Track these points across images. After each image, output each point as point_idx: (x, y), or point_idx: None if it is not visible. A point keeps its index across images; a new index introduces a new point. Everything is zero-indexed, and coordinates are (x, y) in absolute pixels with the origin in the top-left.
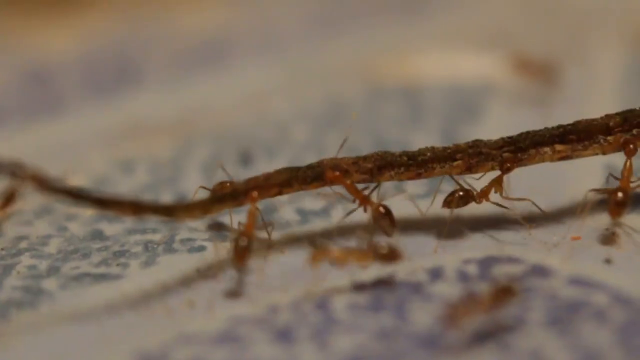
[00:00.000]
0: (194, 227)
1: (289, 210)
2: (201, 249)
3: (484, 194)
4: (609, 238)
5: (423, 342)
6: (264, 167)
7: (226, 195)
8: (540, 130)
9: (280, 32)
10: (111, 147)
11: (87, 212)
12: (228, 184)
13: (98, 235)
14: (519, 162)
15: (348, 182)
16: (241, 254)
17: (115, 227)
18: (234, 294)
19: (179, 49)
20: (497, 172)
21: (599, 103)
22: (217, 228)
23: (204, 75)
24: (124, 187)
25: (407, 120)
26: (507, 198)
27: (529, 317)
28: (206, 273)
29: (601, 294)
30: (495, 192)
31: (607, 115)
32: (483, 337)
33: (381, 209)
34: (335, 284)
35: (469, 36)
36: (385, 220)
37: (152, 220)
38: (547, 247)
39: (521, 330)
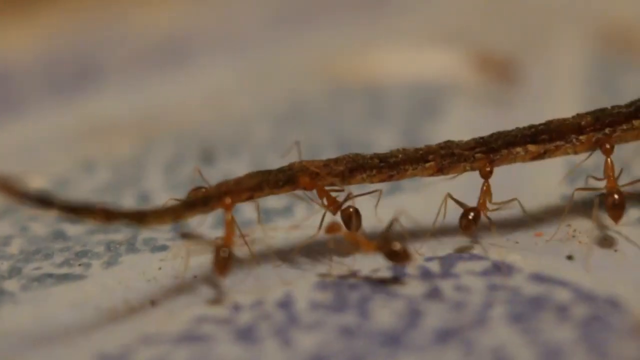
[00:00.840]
0: (156, 227)
1: (250, 208)
2: (163, 248)
3: (483, 206)
4: (570, 235)
5: (385, 340)
6: (226, 165)
7: (198, 200)
8: (512, 131)
9: (241, 30)
10: (72, 147)
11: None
12: (204, 190)
13: (60, 236)
14: (492, 164)
15: (320, 186)
16: (223, 265)
17: (77, 227)
18: (197, 293)
19: (139, 48)
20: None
21: (561, 100)
22: (193, 238)
23: (165, 74)
24: (85, 187)
25: (369, 119)
26: (496, 203)
27: (491, 314)
28: (169, 272)
29: (563, 290)
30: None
31: (578, 115)
32: (446, 334)
33: (351, 210)
34: (298, 283)
35: (431, 34)
36: (355, 221)
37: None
38: (510, 244)
39: (484, 327)
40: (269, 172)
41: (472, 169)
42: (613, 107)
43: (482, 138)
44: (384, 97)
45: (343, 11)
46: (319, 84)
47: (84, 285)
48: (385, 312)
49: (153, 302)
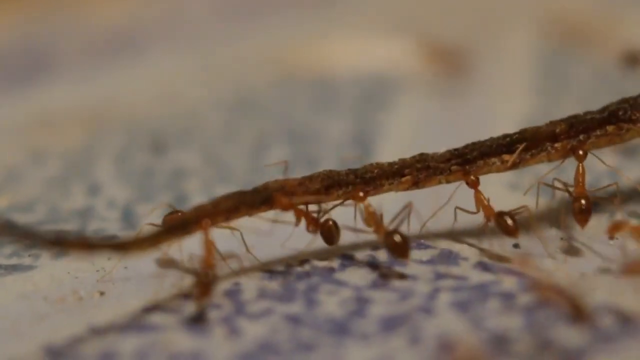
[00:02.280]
0: (106, 217)
1: (199, 197)
2: (113, 238)
3: (490, 210)
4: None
5: (332, 328)
6: (177, 156)
7: (176, 225)
8: (487, 141)
9: (192, 21)
10: (22, 138)
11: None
12: (179, 214)
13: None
14: (475, 172)
15: (297, 206)
16: (205, 290)
17: (27, 217)
18: (146, 283)
19: (90, 39)
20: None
21: (511, 91)
22: (170, 264)
23: (116, 65)
24: (35, 178)
25: (319, 109)
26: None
27: (437, 302)
28: (118, 262)
29: (509, 278)
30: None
31: (552, 122)
32: (392, 322)
33: (330, 222)
34: (247, 272)
35: (381, 24)
36: (335, 235)
37: (65, 210)
38: (457, 234)
39: (429, 315)
40: (245, 193)
41: (448, 182)
42: (586, 113)
43: (456, 150)
44: (334, 88)
45: (293, 2)
46: (269, 74)
47: (33, 276)
48: (332, 301)
49: (102, 292)
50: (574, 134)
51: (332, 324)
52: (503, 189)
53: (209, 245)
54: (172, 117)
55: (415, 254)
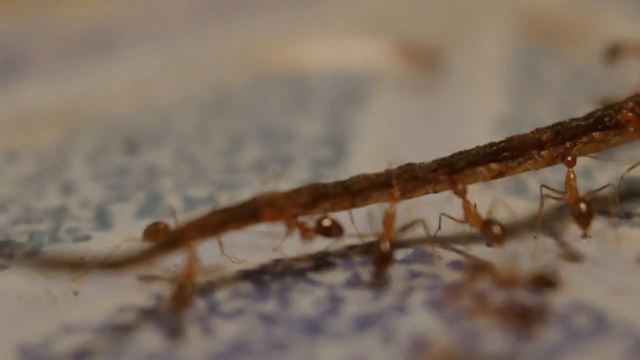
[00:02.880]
0: (79, 216)
1: (173, 197)
2: (86, 238)
3: (479, 218)
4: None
5: (306, 327)
6: (150, 155)
7: (164, 243)
8: (473, 150)
9: (165, 20)
10: None
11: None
12: (162, 225)
13: None
14: (463, 182)
15: (288, 217)
16: (182, 302)
17: (0, 217)
18: (120, 283)
19: (64, 38)
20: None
21: (485, 89)
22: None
23: (90, 64)
24: (8, 177)
25: (293, 108)
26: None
27: (411, 300)
28: (92, 262)
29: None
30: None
31: (537, 130)
32: (365, 321)
33: (326, 220)
34: (220, 272)
35: (355, 22)
36: (336, 227)
37: (38, 210)
38: (432, 233)
39: (403, 314)
40: (232, 207)
41: (435, 192)
42: (571, 120)
43: (443, 159)
44: (308, 87)
45: (268, 1)
46: (243, 73)
47: (6, 275)
48: (305, 300)
49: (76, 292)
50: (560, 141)
51: (305, 324)
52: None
53: (192, 262)
54: (146, 117)
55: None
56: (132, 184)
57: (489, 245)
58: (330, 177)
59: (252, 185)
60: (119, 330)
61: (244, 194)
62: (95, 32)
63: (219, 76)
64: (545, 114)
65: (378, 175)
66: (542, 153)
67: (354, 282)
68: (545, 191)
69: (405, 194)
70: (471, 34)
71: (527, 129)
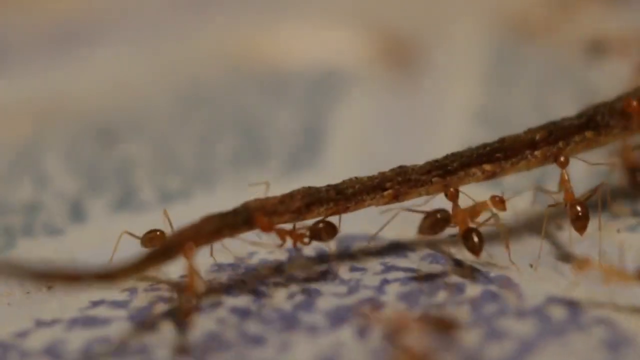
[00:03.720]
0: (54, 209)
1: (148, 190)
2: (60, 232)
3: (465, 222)
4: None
5: (281, 321)
6: (126, 148)
7: (159, 251)
8: (466, 151)
9: (143, 13)
10: None
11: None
12: (158, 233)
13: None
14: (454, 185)
15: (277, 227)
16: (188, 312)
17: None
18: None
19: (40, 31)
20: None
21: (464, 82)
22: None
23: (66, 57)
24: None
25: (270, 101)
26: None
27: (385, 294)
28: (66, 256)
29: (458, 269)
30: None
31: (530, 130)
32: (339, 314)
33: (320, 225)
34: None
35: (333, 16)
36: (330, 229)
37: (13, 203)
38: (407, 225)
39: (378, 308)
40: (225, 214)
41: (428, 194)
42: (564, 120)
43: (437, 161)
44: (284, 79)
45: None
46: (220, 66)
47: None
48: (280, 294)
49: (49, 287)
50: (553, 141)
51: (280, 317)
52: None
53: (193, 271)
54: (122, 109)
55: (364, 246)
56: (107, 177)
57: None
58: (307, 170)
59: (228, 178)
60: (93, 325)
61: (220, 187)
62: (71, 25)
63: (195, 68)
64: (523, 107)
65: (371, 178)
66: (536, 153)
67: (328, 276)
68: (540, 194)
69: (398, 197)
70: (448, 27)
71: (504, 121)
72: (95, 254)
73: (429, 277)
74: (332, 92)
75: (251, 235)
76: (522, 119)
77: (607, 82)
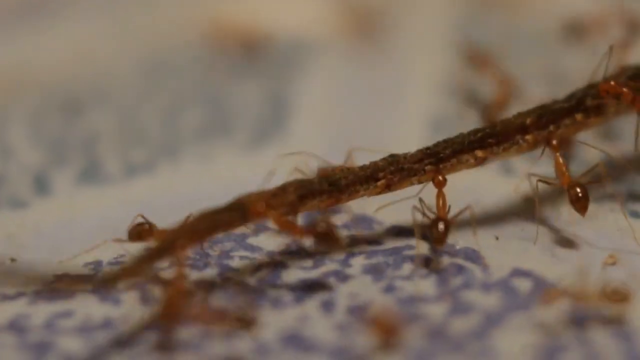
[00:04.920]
0: (18, 181)
1: (113, 162)
2: (25, 205)
3: (444, 212)
4: None
5: (246, 293)
6: (91, 119)
7: (155, 251)
8: (458, 137)
9: None
10: None
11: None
12: (146, 226)
13: None
14: (442, 173)
15: (276, 215)
16: (173, 315)
17: None
18: (58, 249)
19: (1, 3)
20: None
21: (430, 51)
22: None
23: (29, 27)
24: None
25: (235, 73)
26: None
27: (351, 267)
28: (30, 228)
29: (421, 243)
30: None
31: (520, 114)
32: (305, 287)
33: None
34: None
35: None
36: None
37: None
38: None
39: (343, 280)
40: (219, 210)
41: (420, 183)
42: (553, 102)
43: (428, 148)
44: (251, 51)
45: None
46: (185, 37)
47: None
48: (246, 269)
49: (13, 259)
50: (543, 125)
51: (245, 290)
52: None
53: (181, 270)
54: (86, 80)
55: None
56: (72, 148)
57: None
58: (273, 141)
59: (193, 150)
60: (56, 298)
61: (186, 159)
62: None
63: (160, 39)
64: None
65: (362, 168)
66: (527, 137)
67: (294, 249)
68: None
69: (391, 187)
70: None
71: (470, 91)
72: (61, 227)
73: (395, 250)
74: (299, 63)
75: None
76: (488, 88)
77: (576, 60)
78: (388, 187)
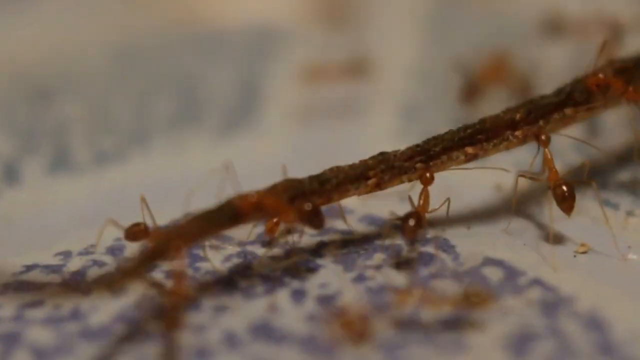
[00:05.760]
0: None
1: (84, 150)
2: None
3: (425, 209)
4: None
5: (217, 284)
6: (61, 106)
7: (149, 254)
8: (447, 134)
9: None
10: None
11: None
12: (142, 227)
13: None
14: (431, 171)
15: (269, 198)
16: (175, 322)
17: None
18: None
19: None
20: None
21: (400, 36)
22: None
23: None
24: None
25: (205, 59)
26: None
27: (321, 257)
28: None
29: (393, 230)
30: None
31: (508, 110)
32: (276, 277)
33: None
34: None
35: None
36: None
37: None
38: None
39: (314, 270)
40: (211, 212)
41: (410, 181)
42: (541, 97)
43: (418, 145)
44: (220, 37)
45: None
46: (155, 24)
47: None
48: (217, 257)
49: None
50: (532, 120)
51: (217, 280)
52: None
53: (181, 273)
54: (56, 68)
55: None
56: (42, 137)
57: None
58: (244, 129)
59: (164, 138)
60: (25, 289)
61: (156, 147)
62: None
63: (130, 27)
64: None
65: (352, 167)
66: (516, 133)
67: (265, 239)
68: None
69: (381, 185)
70: None
71: (442, 76)
72: (31, 217)
73: (366, 239)
74: (269, 50)
75: None
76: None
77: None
78: (378, 186)
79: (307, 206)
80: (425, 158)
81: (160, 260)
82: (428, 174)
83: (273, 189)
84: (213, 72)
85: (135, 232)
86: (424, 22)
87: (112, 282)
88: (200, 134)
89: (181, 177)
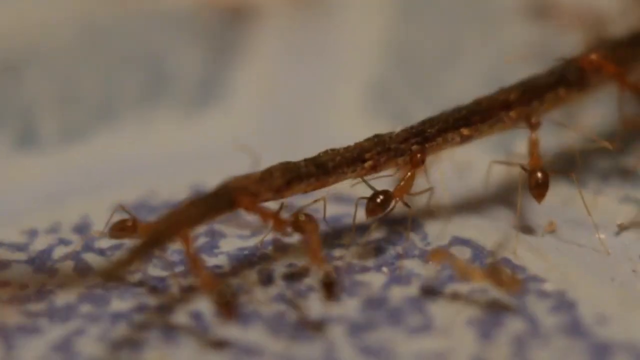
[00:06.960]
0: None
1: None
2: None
3: (404, 191)
4: None
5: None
6: (27, 83)
7: (147, 242)
8: (442, 115)
9: None
10: None
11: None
12: (129, 222)
13: None
14: (424, 153)
15: (261, 209)
16: (229, 310)
17: None
18: None
19: None
20: None
21: (373, 17)
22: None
23: None
24: None
25: (173, 38)
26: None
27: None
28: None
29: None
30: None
31: (502, 90)
32: (243, 256)
33: (302, 217)
34: (93, 208)
35: None
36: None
37: None
38: None
39: (283, 250)
40: (207, 197)
41: (405, 164)
42: (535, 78)
43: (413, 127)
44: (191, 16)
45: None
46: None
47: None
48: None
49: None
50: (527, 100)
51: (181, 260)
52: None
53: (196, 259)
54: (23, 43)
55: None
56: (7, 113)
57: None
58: (212, 107)
59: (131, 114)
60: None
61: (124, 124)
62: None
63: (98, 2)
64: (435, 42)
65: (348, 149)
66: (511, 114)
67: (232, 218)
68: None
69: (377, 168)
70: None
71: (416, 56)
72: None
73: (334, 219)
74: (239, 29)
75: None
76: (434, 53)
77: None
78: (374, 168)
79: (301, 216)
80: (420, 140)
81: (163, 244)
82: (419, 155)
83: (269, 173)
84: (182, 49)
85: (122, 227)
86: (397, 2)
87: (115, 271)
88: (168, 110)
89: (149, 153)
